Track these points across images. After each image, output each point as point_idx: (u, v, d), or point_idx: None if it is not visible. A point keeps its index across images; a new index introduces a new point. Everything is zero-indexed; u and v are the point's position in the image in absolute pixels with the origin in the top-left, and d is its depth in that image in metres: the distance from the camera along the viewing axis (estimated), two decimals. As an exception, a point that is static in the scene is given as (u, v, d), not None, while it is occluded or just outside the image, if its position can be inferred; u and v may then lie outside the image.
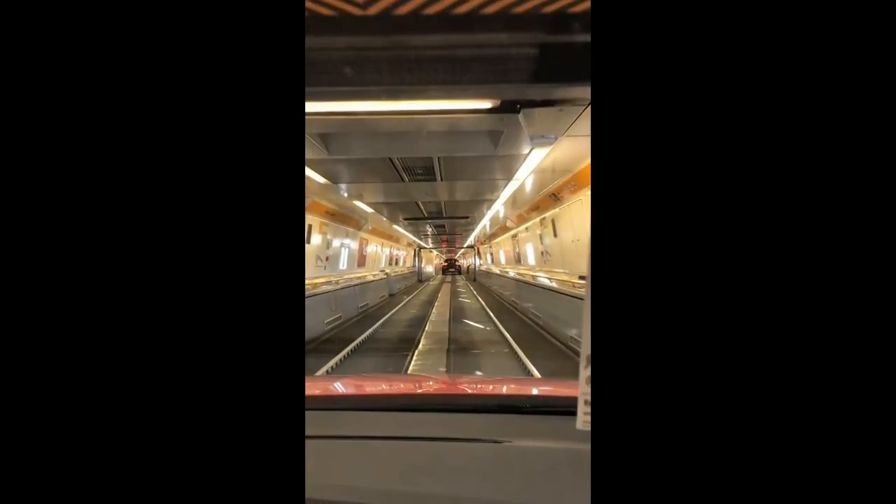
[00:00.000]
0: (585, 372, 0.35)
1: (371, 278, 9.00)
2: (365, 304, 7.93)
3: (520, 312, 7.33)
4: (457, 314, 7.77)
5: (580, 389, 0.35)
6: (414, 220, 7.44)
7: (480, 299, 9.94)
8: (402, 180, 3.82)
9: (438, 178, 3.74)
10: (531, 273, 7.21)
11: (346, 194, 4.83)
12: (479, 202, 5.82)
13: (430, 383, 1.30)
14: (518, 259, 8.84)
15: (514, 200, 5.86)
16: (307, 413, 0.36)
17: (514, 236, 8.63)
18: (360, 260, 8.63)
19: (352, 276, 7.71)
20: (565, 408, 0.73)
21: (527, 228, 7.31)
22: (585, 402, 0.35)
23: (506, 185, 4.13)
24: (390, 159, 3.19)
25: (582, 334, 0.35)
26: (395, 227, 9.08)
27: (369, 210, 6.03)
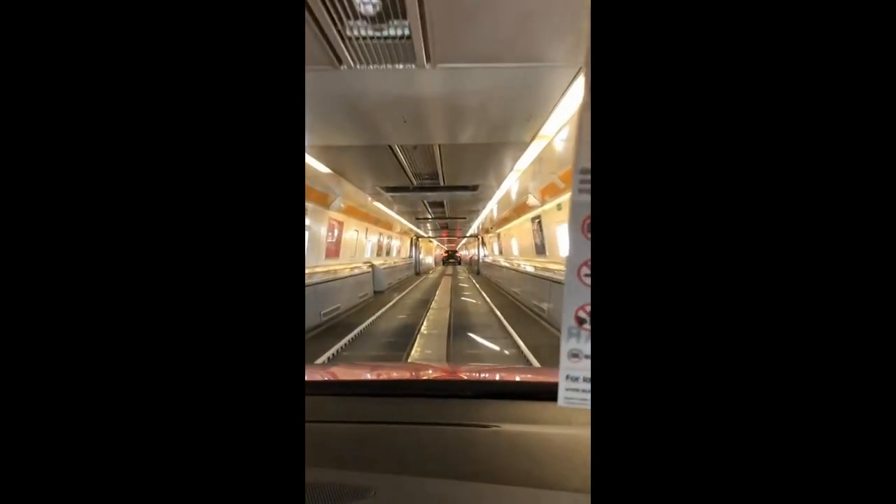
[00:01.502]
0: (567, 345, 0.35)
1: (347, 273, 6.91)
2: (334, 309, 5.84)
3: (547, 323, 5.25)
4: (459, 323, 5.69)
5: (561, 365, 0.35)
6: (400, 190, 5.22)
7: (487, 298, 7.86)
8: (339, 62, 1.67)
9: (423, 56, 1.60)
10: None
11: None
12: (497, 152, 3.65)
13: (429, 371, 1.26)
14: (541, 249, 6.71)
15: (540, 163, 3.74)
16: (307, 399, 0.36)
17: (537, 219, 6.51)
18: (331, 249, 6.53)
19: (314, 271, 5.62)
20: (549, 393, 0.71)
21: (559, 206, 5.20)
22: (567, 377, 0.35)
23: (571, 79, 1.92)
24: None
25: (563, 307, 0.34)
26: (380, 206, 6.94)
27: (324, 169, 3.91)
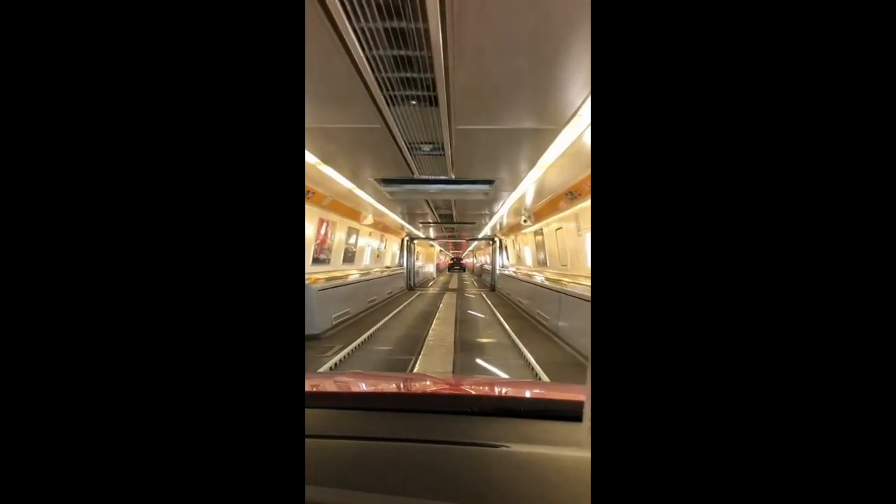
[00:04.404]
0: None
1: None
2: None
3: None
4: None
5: (590, 387, 0.35)
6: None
7: (528, 355, 3.26)
8: None
9: None
10: None
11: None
12: None
13: (429, 383, 1.18)
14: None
15: None
16: (306, 412, 0.34)
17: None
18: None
19: None
20: (564, 413, 0.71)
21: None
22: None
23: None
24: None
25: (591, 330, 0.34)
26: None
27: None
